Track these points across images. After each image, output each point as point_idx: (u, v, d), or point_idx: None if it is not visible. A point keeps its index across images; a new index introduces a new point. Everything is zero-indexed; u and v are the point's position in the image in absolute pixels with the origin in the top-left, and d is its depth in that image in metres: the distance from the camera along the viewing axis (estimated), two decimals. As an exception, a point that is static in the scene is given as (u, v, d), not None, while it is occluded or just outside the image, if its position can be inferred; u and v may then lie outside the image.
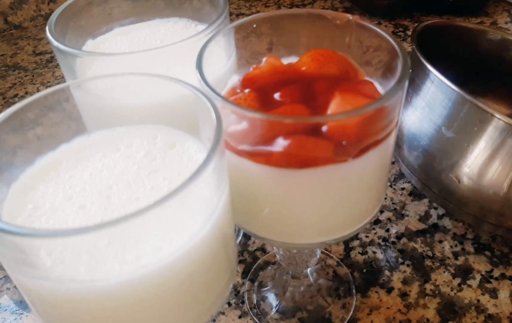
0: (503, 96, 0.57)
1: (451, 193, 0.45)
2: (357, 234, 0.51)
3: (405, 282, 0.47)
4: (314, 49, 0.34)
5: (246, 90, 0.33)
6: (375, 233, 0.52)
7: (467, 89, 0.43)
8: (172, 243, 0.24)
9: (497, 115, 0.39)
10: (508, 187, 0.41)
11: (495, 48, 0.56)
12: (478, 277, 0.47)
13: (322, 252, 0.50)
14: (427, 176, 0.47)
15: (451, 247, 0.50)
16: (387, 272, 0.48)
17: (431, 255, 0.49)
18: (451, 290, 0.46)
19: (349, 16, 0.34)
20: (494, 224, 0.44)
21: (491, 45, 0.56)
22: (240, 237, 0.53)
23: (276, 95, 0.31)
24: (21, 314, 0.46)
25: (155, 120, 0.32)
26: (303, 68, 0.33)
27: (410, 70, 0.29)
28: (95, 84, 0.33)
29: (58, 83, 0.38)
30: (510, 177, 0.40)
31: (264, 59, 0.34)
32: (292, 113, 0.30)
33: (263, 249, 0.51)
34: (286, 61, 0.36)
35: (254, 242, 0.52)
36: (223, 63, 0.36)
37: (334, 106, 0.29)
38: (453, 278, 0.47)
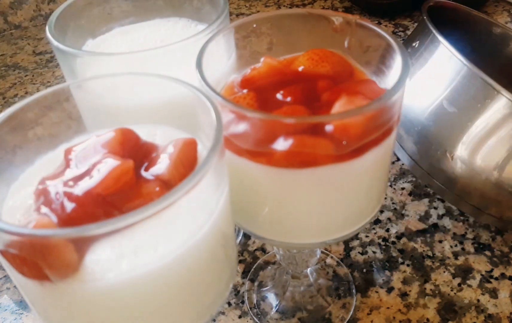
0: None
1: (440, 172, 0.44)
2: (357, 234, 0.51)
3: (405, 282, 0.47)
4: (311, 49, 0.34)
5: (245, 90, 0.33)
6: (375, 233, 0.52)
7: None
8: (171, 242, 0.24)
9: (505, 94, 0.37)
10: (499, 173, 0.40)
11: (495, 41, 0.56)
12: (478, 277, 0.47)
13: (322, 252, 0.50)
14: (420, 152, 0.45)
15: (451, 247, 0.50)
16: (387, 272, 0.48)
17: (431, 255, 0.49)
18: (451, 290, 0.46)
19: (349, 16, 0.34)
20: (492, 215, 0.43)
21: (493, 38, 0.56)
22: (240, 237, 0.53)
23: (275, 95, 0.31)
24: (21, 314, 0.46)
25: (155, 120, 0.32)
26: (299, 68, 0.34)
27: (410, 70, 0.29)
28: (95, 84, 0.33)
29: (58, 83, 0.38)
30: (501, 163, 0.39)
31: (261, 60, 0.34)
32: (292, 114, 0.30)
33: (263, 249, 0.51)
34: (285, 60, 0.36)
35: (254, 242, 0.52)
36: (223, 63, 0.36)
37: (338, 106, 0.29)
38: (453, 278, 0.47)
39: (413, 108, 0.45)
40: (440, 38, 0.44)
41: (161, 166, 0.26)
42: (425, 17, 0.47)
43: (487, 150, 0.40)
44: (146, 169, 0.27)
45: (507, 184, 0.40)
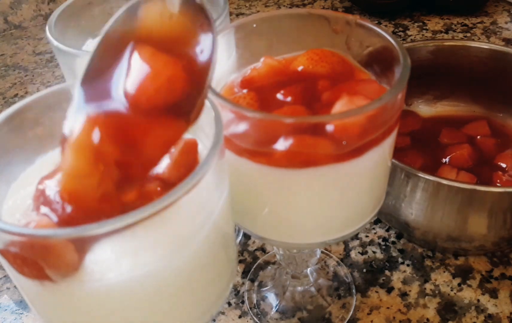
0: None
1: (406, 228, 0.48)
2: (357, 234, 0.51)
3: (405, 282, 0.47)
4: (311, 49, 0.34)
5: (245, 90, 0.33)
6: (375, 233, 0.52)
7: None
8: (171, 242, 0.24)
9: (420, 174, 0.41)
10: (456, 225, 0.43)
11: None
12: (478, 277, 0.47)
13: (322, 252, 0.50)
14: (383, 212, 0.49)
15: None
16: (387, 272, 0.48)
17: (431, 255, 0.49)
18: (451, 290, 0.46)
19: (349, 16, 0.34)
20: (454, 247, 0.48)
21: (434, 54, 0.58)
22: (240, 237, 0.53)
23: (275, 95, 0.31)
24: (21, 314, 0.46)
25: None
26: (299, 68, 0.34)
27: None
28: (95, 84, 0.33)
29: (58, 83, 0.38)
30: (453, 220, 0.43)
31: (261, 60, 0.34)
32: (292, 114, 0.30)
33: (263, 249, 0.51)
34: (285, 60, 0.36)
35: (254, 242, 0.52)
36: (223, 63, 0.36)
37: (338, 106, 0.29)
38: (453, 278, 0.47)
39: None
40: None
41: (162, 165, 0.26)
42: None
43: (433, 215, 0.44)
44: None
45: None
